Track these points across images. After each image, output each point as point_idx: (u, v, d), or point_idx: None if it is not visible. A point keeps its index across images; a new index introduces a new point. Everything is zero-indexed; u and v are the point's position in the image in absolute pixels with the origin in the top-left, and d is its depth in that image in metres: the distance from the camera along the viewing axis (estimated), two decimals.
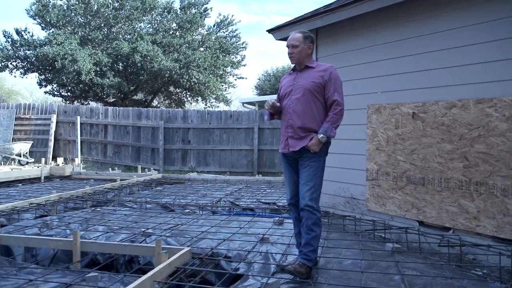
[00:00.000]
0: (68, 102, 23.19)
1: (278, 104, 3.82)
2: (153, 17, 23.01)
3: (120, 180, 9.91)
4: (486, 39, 4.33)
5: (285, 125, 3.75)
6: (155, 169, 13.41)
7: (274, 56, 77.38)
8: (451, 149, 4.57)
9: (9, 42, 21.41)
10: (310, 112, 3.64)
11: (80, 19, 21.88)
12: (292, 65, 3.91)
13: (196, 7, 22.84)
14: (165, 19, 23.00)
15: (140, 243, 4.53)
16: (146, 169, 12.84)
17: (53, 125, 16.57)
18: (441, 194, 4.67)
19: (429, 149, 4.79)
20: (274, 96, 4.02)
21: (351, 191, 5.82)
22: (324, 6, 6.21)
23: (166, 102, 26.14)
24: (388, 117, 5.27)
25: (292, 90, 3.75)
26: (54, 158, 16.09)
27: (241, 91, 50.94)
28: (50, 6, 21.19)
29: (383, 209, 5.33)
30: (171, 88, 24.57)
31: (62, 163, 14.69)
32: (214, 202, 7.47)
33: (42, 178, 10.83)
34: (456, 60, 4.58)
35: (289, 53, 3.79)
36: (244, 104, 22.27)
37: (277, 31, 6.48)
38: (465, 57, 4.50)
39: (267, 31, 6.63)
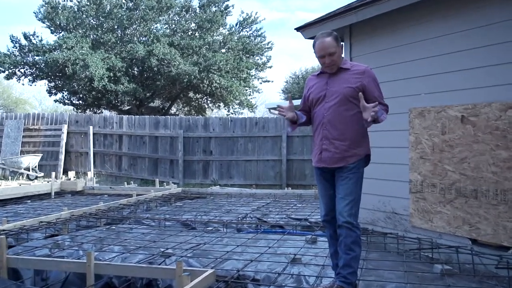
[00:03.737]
0: (79, 111, 23.67)
1: (290, 104, 3.73)
2: (170, 17, 23.33)
3: (136, 195, 10.00)
4: None
5: (320, 136, 3.68)
6: (174, 183, 13.50)
7: (299, 56, 77.47)
8: (508, 157, 4.45)
9: (16, 48, 22.04)
10: (348, 121, 3.58)
11: (91, 21, 22.36)
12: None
13: (217, 5, 23.04)
14: (183, 19, 23.31)
15: (159, 264, 4.55)
16: (165, 183, 12.93)
17: (64, 136, 16.89)
18: (497, 208, 4.54)
19: (481, 157, 4.67)
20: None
21: (392, 205, 5.73)
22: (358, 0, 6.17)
23: (185, 109, 26.42)
24: (433, 122, 5.18)
25: (326, 96, 3.66)
26: (65, 172, 16.39)
27: (267, 95, 51.06)
28: (59, 8, 21.72)
29: (429, 225, 5.22)
30: (191, 94, 24.82)
31: (74, 177, 14.96)
32: (239, 218, 7.44)
33: (53, 194, 11.01)
34: None
35: (326, 63, 3.64)
36: (271, 110, 22.23)
37: (307, 29, 6.47)
38: None
39: (295, 29, 6.62)
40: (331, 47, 3.60)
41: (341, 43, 3.77)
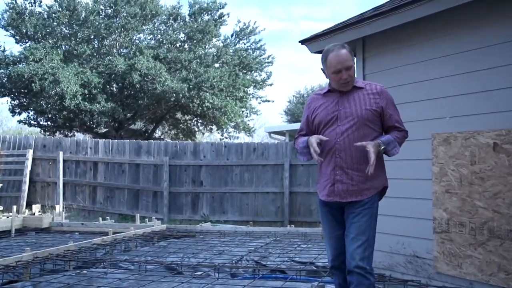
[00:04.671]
0: (48, 133, 23.62)
1: (324, 138, 3.64)
2: (155, 26, 23.52)
3: (113, 233, 9.93)
4: None
5: (331, 165, 3.67)
6: (157, 219, 13.43)
7: (304, 72, 78.00)
8: None
9: None
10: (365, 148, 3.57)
11: (64, 29, 22.49)
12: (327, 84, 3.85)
13: (209, 13, 23.20)
14: (170, 29, 23.48)
15: None
16: (147, 219, 12.86)
17: (29, 163, 16.81)
18: None
19: None
20: None
21: (413, 247, 5.70)
22: (372, 9, 6.24)
23: (172, 132, 26.45)
24: (460, 150, 5.19)
25: (337, 118, 3.67)
26: (29, 205, 16.26)
27: (266, 117, 51.35)
28: (26, 14, 21.78)
29: (458, 271, 5.18)
30: (178, 115, 24.88)
31: (39, 211, 14.86)
32: (233, 261, 7.41)
33: (13, 231, 10.91)
34: None
35: (343, 79, 3.64)
36: (271, 134, 22.36)
37: (313, 41, 6.52)
38: None
39: (300, 41, 6.68)
40: (348, 60, 3.63)
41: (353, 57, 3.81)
